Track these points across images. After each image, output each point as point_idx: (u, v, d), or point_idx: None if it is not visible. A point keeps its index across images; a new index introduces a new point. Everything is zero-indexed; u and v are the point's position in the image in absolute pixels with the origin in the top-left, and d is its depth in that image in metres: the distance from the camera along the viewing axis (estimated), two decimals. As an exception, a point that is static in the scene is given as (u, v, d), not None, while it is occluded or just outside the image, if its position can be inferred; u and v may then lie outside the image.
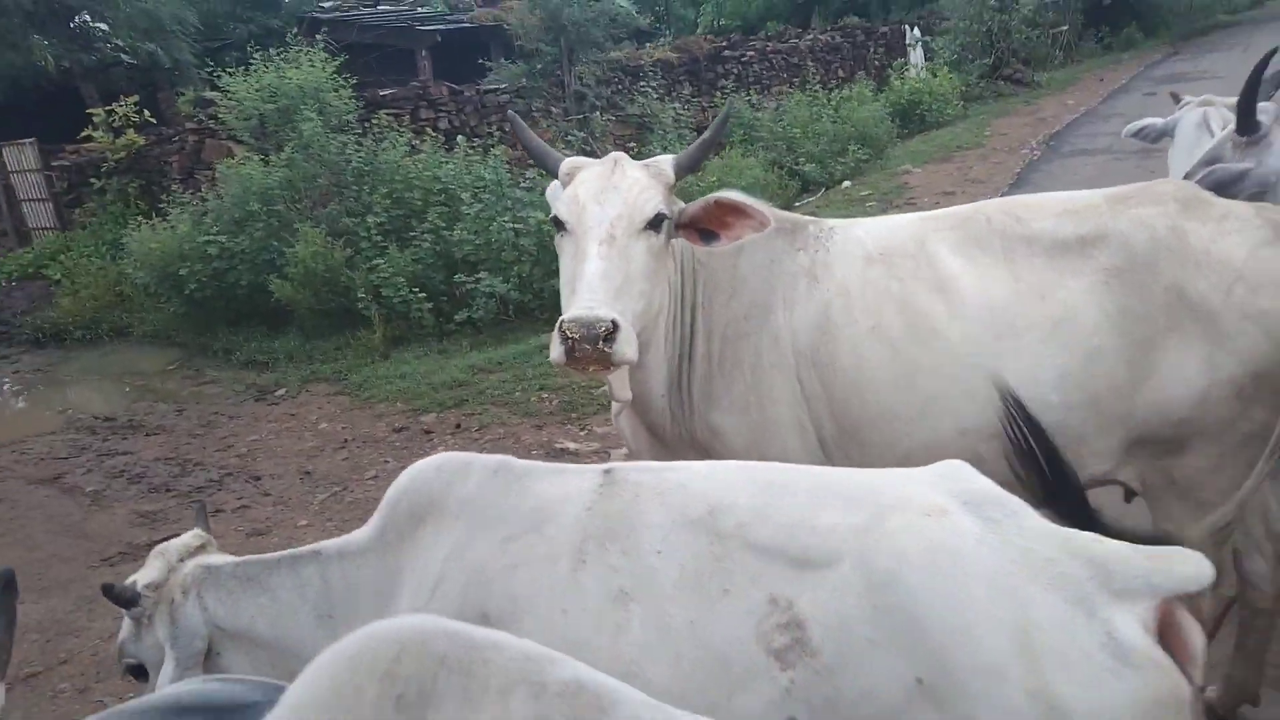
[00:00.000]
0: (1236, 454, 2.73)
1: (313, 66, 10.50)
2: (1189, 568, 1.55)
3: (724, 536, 1.80)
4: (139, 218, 11.33)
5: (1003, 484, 1.90)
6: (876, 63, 23.90)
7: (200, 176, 12.16)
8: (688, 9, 32.62)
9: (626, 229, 2.74)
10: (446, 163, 10.66)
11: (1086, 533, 1.66)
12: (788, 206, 13.21)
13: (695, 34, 25.92)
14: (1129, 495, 3.06)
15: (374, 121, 11.56)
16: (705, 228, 2.89)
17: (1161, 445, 2.80)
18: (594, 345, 2.50)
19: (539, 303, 9.41)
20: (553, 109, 13.72)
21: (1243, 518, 2.91)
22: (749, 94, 18.48)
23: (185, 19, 19.35)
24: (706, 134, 3.07)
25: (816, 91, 17.03)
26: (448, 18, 23.31)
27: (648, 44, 19.97)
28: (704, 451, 3.08)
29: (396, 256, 9.55)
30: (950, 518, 1.69)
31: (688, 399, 3.07)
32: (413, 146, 11.22)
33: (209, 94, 11.11)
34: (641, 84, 16.56)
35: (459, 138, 11.85)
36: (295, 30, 23.85)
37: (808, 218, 3.23)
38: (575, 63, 12.61)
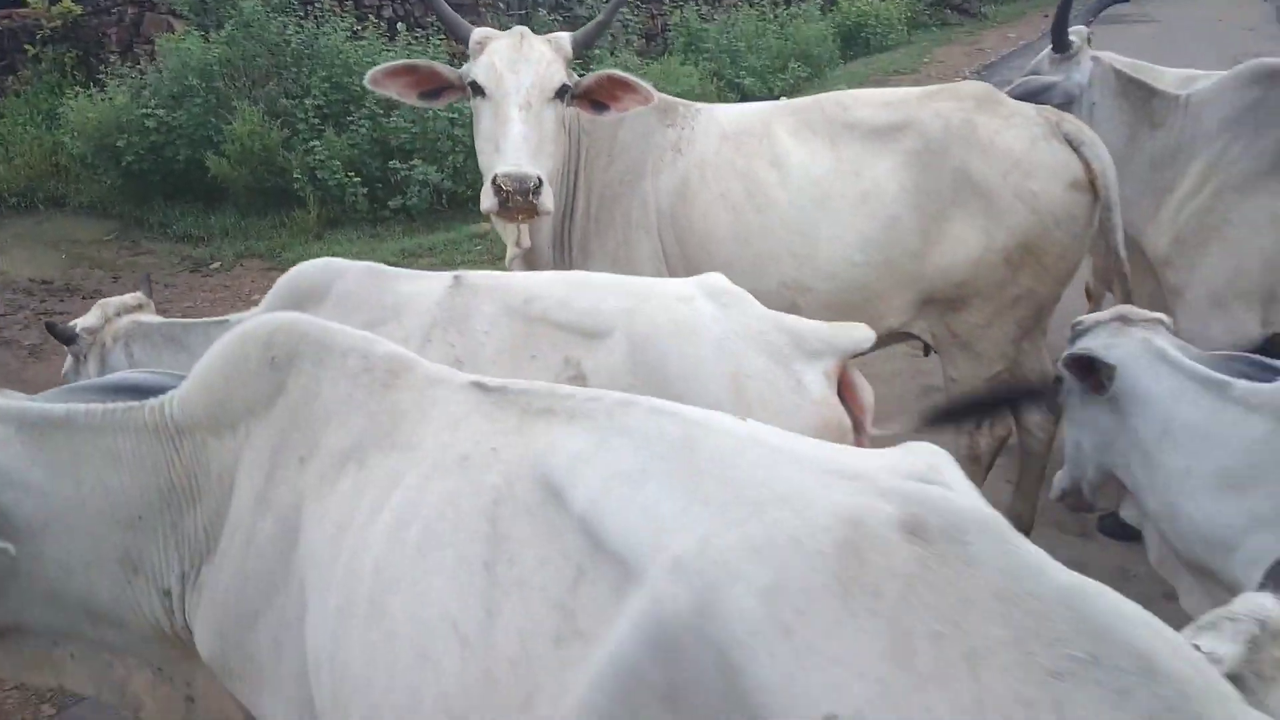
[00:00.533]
0: (1007, 313, 3.32)
1: (255, -58, 10.50)
2: (859, 334, 2.15)
3: (533, 319, 2.33)
4: (76, 88, 11.32)
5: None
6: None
7: (139, 50, 12.12)
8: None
9: (539, 96, 3.19)
10: (387, 50, 10.82)
11: (792, 315, 2.25)
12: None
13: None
14: (927, 350, 3.65)
15: (316, 4, 11.63)
16: (597, 99, 3.37)
17: (946, 303, 3.38)
18: (525, 197, 3.00)
19: (472, 193, 9.72)
20: (500, 3, 13.81)
21: (1021, 372, 3.50)
22: (699, 4, 18.62)
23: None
24: (601, 15, 3.65)
25: (764, 6, 17.24)
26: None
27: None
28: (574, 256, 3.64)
29: (333, 140, 9.78)
30: (694, 302, 2.27)
31: (567, 252, 3.57)
32: (354, 32, 11.35)
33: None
34: (585, -15, 16.63)
35: (400, 25, 11.99)
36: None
37: (681, 100, 3.75)
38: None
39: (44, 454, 1.96)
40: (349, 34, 11.03)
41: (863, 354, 2.14)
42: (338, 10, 11.93)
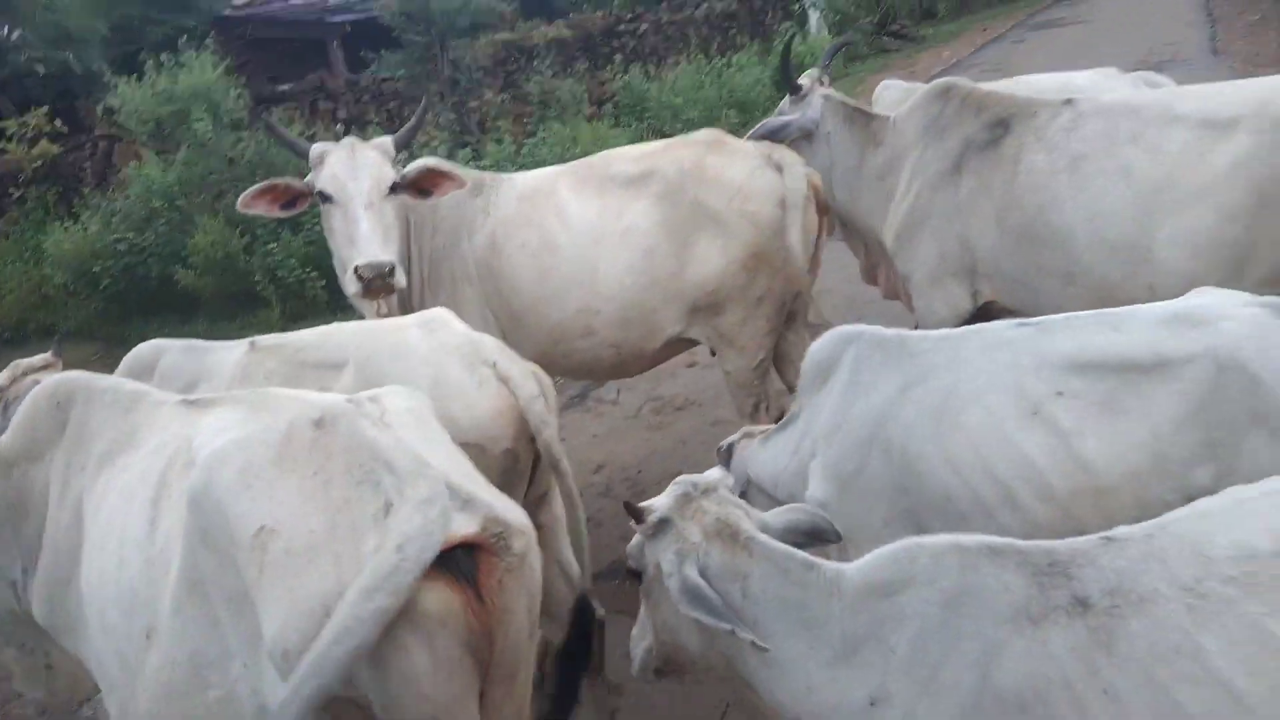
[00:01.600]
0: (756, 311, 4.15)
1: (203, 70, 11.39)
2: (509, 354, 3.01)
3: (299, 364, 3.12)
4: (58, 222, 12.20)
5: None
6: (777, 28, 24.88)
7: (112, 179, 13.04)
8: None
9: (378, 195, 3.87)
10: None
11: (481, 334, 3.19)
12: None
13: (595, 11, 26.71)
14: (713, 352, 4.40)
15: (267, 115, 12.50)
16: (423, 187, 4.07)
17: (708, 309, 4.18)
18: (383, 279, 3.73)
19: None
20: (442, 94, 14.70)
21: (792, 362, 4.22)
22: (644, 65, 19.50)
23: (95, 27, 19.93)
24: (412, 120, 4.41)
25: (700, 60, 18.10)
26: (356, 7, 24.02)
27: (545, 23, 20.80)
28: None
29: (290, 240, 10.54)
30: (407, 330, 3.10)
31: (411, 309, 4.20)
32: (309, 137, 12.19)
33: (113, 101, 11.94)
34: (535, 62, 17.55)
35: (351, 127, 12.85)
36: (208, 29, 24.54)
37: (486, 173, 4.56)
38: (448, 50, 13.58)
39: None
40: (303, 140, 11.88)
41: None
42: (294, 119, 12.83)
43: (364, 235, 3.80)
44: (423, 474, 1.97)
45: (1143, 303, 3.30)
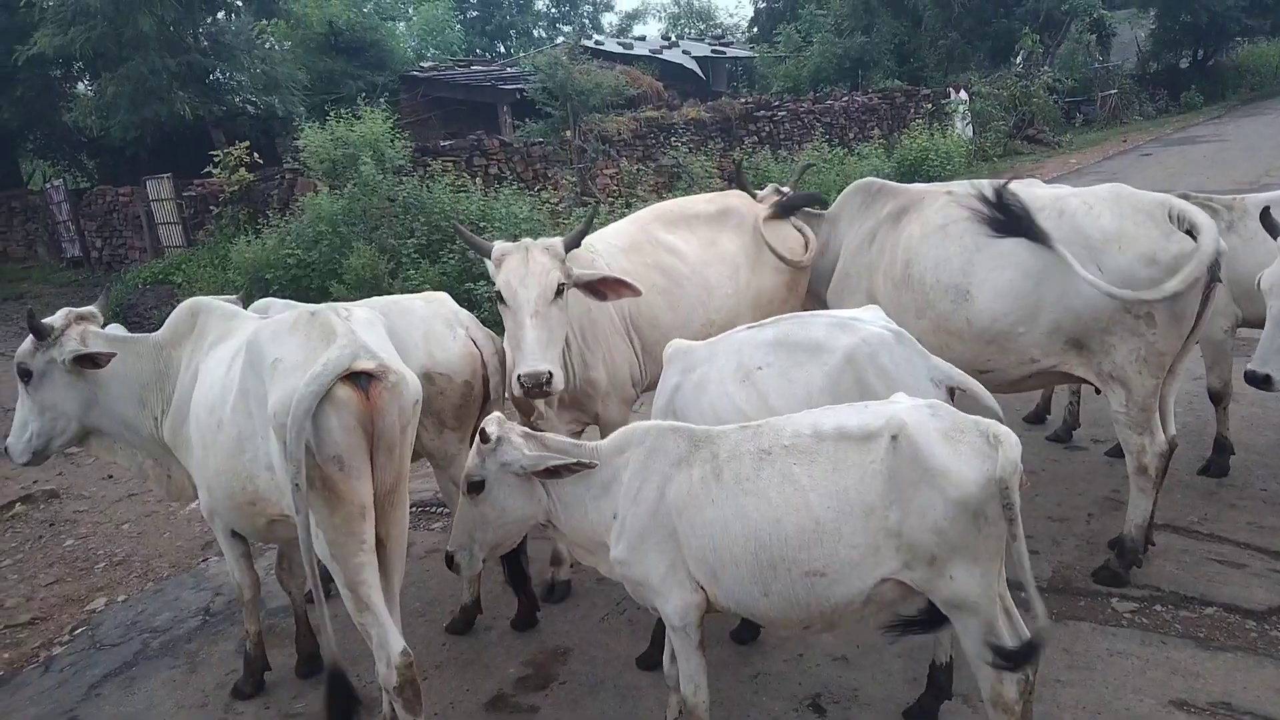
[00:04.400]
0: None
1: (374, 122, 13.44)
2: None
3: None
4: (243, 236, 14.45)
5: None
6: (918, 124, 25.86)
7: (293, 206, 15.27)
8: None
9: (544, 302, 4.12)
10: (492, 199, 13.48)
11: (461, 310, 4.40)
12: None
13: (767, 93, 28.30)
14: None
15: (429, 165, 14.50)
16: (598, 290, 4.44)
17: (765, 309, 5.20)
18: (539, 388, 4.02)
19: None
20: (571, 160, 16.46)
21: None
22: (779, 149, 20.93)
23: (297, 78, 22.90)
24: (580, 226, 4.57)
25: (823, 148, 19.40)
26: (530, 77, 26.51)
27: (684, 105, 22.49)
28: (583, 400, 4.84)
29: (428, 269, 12.31)
30: (412, 302, 4.65)
31: (572, 374, 4.72)
32: (461, 188, 14.08)
33: (299, 142, 14.13)
34: (674, 139, 19.24)
35: (504, 182, 14.68)
36: (397, 85, 27.35)
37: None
38: (580, 123, 15.35)
39: (118, 350, 4.26)
40: (453, 189, 13.76)
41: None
42: (452, 170, 14.78)
43: (527, 344, 4.03)
44: (349, 336, 3.47)
45: (963, 331, 4.48)
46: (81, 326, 4.37)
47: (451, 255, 12.49)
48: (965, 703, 3.79)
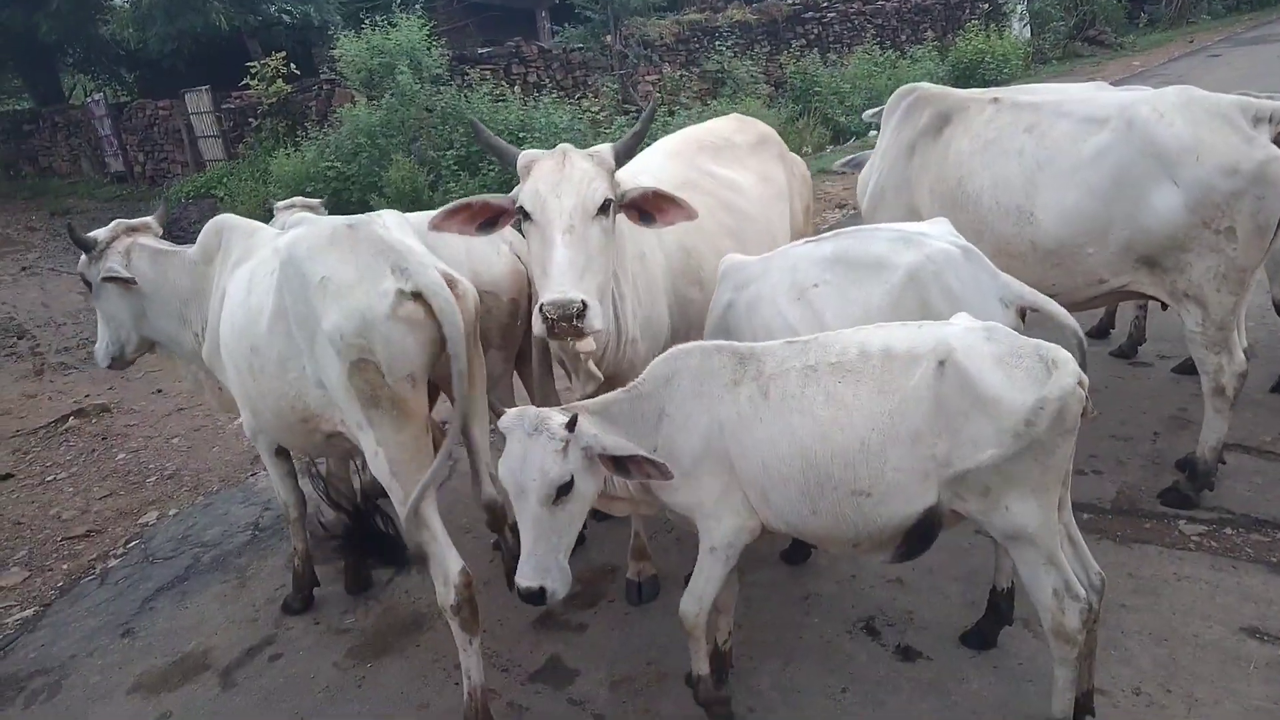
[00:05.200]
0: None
1: (410, 30, 13.13)
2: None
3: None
4: (282, 149, 14.32)
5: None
6: (974, 25, 24.85)
7: (331, 118, 15.08)
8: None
9: (582, 217, 3.22)
10: (531, 108, 13.18)
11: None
12: (817, 149, 15.14)
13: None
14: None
15: (466, 74, 14.19)
16: (645, 210, 3.50)
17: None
18: (569, 323, 3.02)
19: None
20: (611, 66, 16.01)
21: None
22: (828, 53, 20.24)
23: (333, -15, 22.45)
24: (636, 126, 3.60)
25: (875, 50, 18.71)
26: (567, -20, 25.82)
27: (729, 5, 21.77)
28: (621, 371, 3.79)
29: (468, 182, 12.13)
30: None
31: (623, 332, 3.83)
32: (499, 97, 13.79)
33: (336, 51, 13.86)
34: (718, 43, 18.65)
35: (543, 90, 14.34)
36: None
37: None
38: (621, 27, 14.87)
39: (159, 265, 4.26)
40: (491, 98, 13.47)
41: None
42: (489, 79, 14.46)
43: (557, 265, 3.14)
44: (408, 250, 3.37)
45: (1026, 254, 4.24)
46: (130, 240, 4.37)
47: (492, 167, 12.28)
48: (1026, 627, 3.69)
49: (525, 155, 3.46)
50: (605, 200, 3.31)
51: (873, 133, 6.08)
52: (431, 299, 3.27)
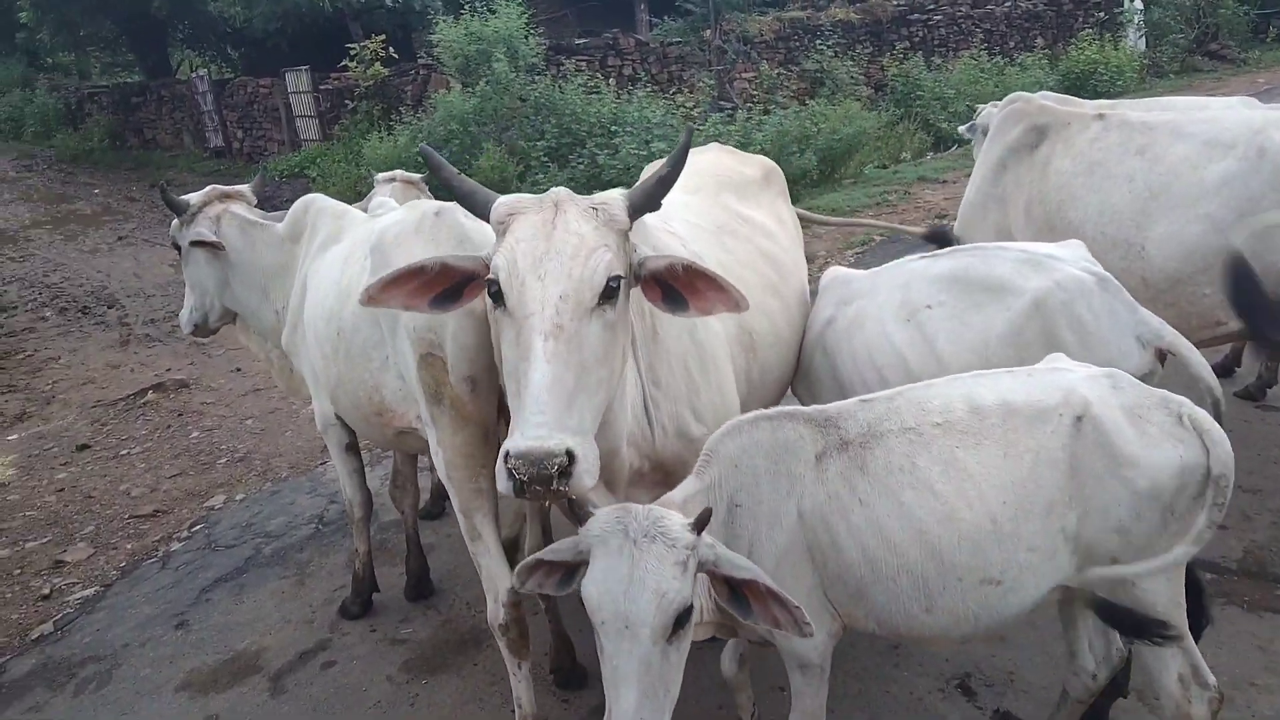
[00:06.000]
0: None
1: (509, 18, 13.01)
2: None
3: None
4: (376, 132, 14.35)
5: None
6: (1087, 34, 23.91)
7: (426, 103, 15.08)
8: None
9: (575, 312, 2.21)
10: (625, 102, 12.98)
11: None
12: (917, 155, 14.64)
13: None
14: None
15: (562, 65, 14.04)
16: (671, 287, 2.47)
17: None
18: (545, 485, 2.06)
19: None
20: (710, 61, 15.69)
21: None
22: (932, 56, 19.58)
23: (436, -32, 22.51)
24: (663, 169, 2.51)
25: (981, 57, 18.03)
26: (667, -26, 25.54)
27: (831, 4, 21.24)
28: (673, 468, 2.93)
29: (556, 174, 11.97)
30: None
31: (651, 429, 2.91)
32: (593, 89, 13.61)
33: (434, 37, 13.83)
34: (819, 41, 18.17)
35: (638, 84, 14.12)
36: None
37: None
38: (721, 22, 14.54)
39: (248, 235, 4.16)
40: (585, 90, 13.29)
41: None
42: (585, 70, 14.29)
43: (533, 393, 2.15)
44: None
45: (1135, 291, 3.80)
46: (222, 206, 4.29)
47: (580, 160, 12.11)
48: (1140, 700, 3.31)
49: (503, 204, 2.39)
50: (612, 280, 2.28)
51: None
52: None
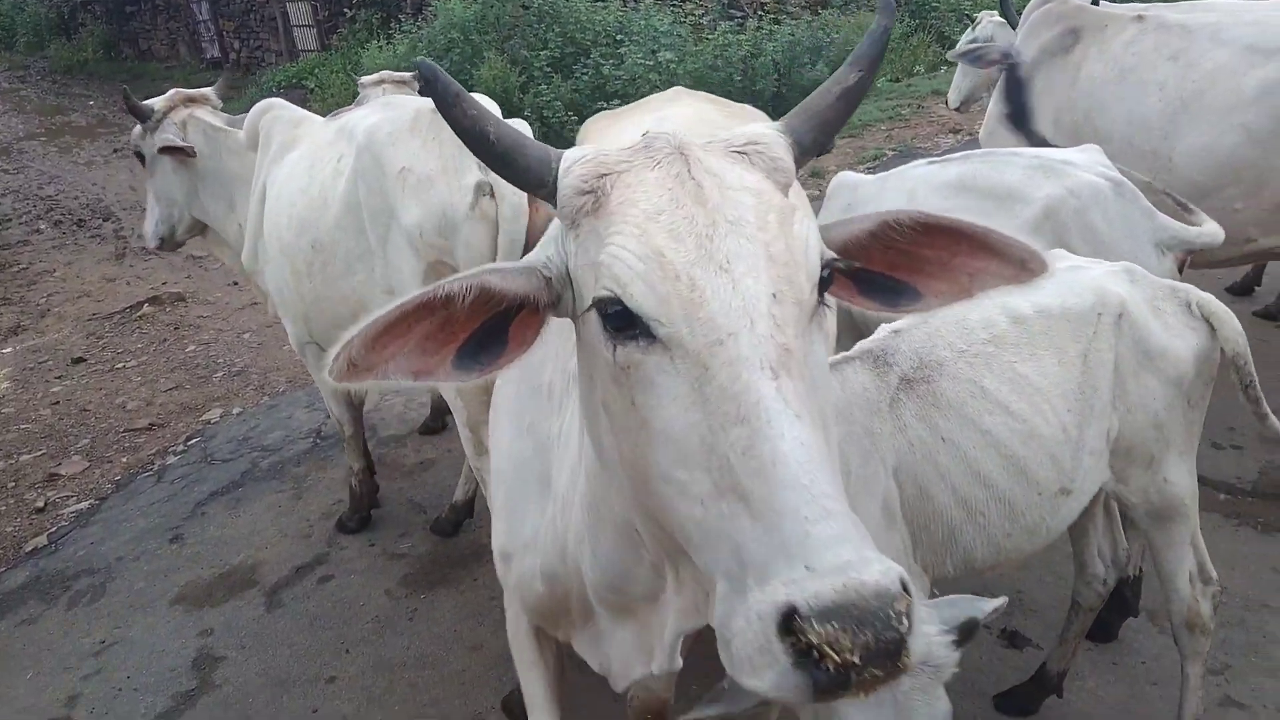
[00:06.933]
0: None
1: (511, -81, 12.49)
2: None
3: None
4: (374, 41, 13.94)
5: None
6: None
7: (425, 12, 14.62)
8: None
9: (798, 319, 1.22)
10: (631, 10, 12.53)
11: None
12: (930, 69, 14.23)
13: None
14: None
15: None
16: (888, 275, 1.52)
17: None
18: (893, 660, 1.02)
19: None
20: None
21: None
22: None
23: None
24: (850, 78, 1.43)
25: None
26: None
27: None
28: None
29: (560, 85, 11.62)
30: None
31: None
32: (599, -3, 13.14)
33: (434, -59, 13.33)
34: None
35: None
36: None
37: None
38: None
39: (214, 142, 3.99)
40: (589, -2, 12.85)
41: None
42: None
43: (792, 481, 1.06)
44: None
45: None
46: (187, 111, 4.07)
47: (584, 71, 11.75)
48: (1152, 622, 3.24)
49: (582, 162, 1.30)
50: (825, 266, 1.30)
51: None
52: (500, 201, 2.91)
